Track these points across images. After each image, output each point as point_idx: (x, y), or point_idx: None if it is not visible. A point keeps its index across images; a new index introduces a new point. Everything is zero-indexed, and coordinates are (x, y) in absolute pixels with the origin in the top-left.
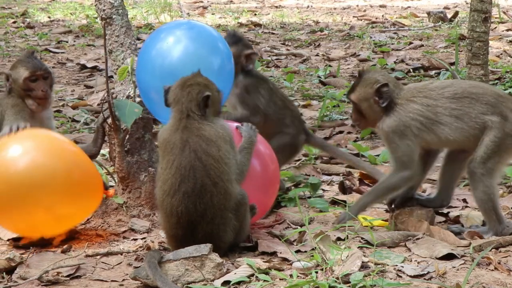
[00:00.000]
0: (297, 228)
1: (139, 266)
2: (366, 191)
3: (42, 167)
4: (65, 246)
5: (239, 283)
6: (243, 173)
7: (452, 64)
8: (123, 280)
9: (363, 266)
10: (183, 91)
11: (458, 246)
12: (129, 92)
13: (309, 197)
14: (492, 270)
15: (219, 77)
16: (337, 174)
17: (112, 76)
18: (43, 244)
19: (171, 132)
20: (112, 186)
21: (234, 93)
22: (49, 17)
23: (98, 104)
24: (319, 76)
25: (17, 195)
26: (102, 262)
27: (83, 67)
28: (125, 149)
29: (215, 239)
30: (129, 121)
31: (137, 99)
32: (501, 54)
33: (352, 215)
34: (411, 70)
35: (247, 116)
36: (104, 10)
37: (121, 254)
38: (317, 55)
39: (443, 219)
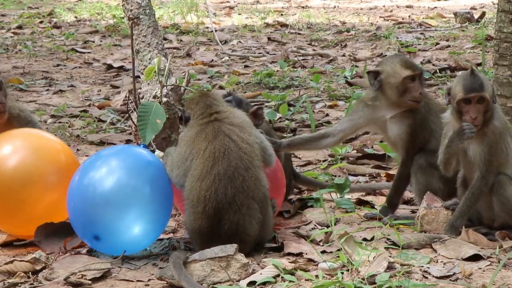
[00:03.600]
0: (323, 228)
1: (165, 267)
2: (462, 200)
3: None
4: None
5: (264, 283)
6: (271, 156)
7: (479, 65)
8: (149, 280)
9: (389, 267)
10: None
11: (483, 248)
12: (156, 92)
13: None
14: None
15: (152, 205)
16: (363, 175)
17: (138, 76)
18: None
19: (200, 126)
20: None
21: None
22: (75, 17)
23: (122, 104)
24: (345, 77)
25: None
26: (128, 262)
27: (110, 67)
28: (152, 149)
29: (240, 231)
30: (148, 138)
31: (164, 99)
32: None
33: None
34: (438, 70)
35: None
36: (131, 10)
37: (147, 255)
38: (343, 55)
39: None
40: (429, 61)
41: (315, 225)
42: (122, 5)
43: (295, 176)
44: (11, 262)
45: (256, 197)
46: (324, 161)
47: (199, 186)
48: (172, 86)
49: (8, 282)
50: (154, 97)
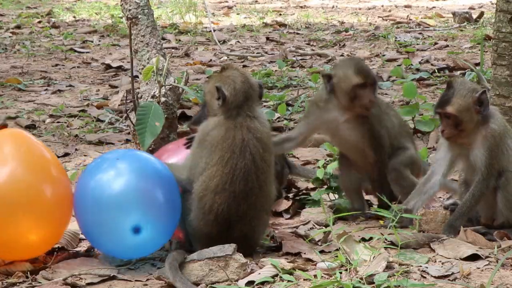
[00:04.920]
0: (321, 228)
1: (163, 266)
2: (462, 202)
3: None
4: (88, 245)
5: (263, 283)
6: None
7: (477, 64)
8: (147, 280)
9: (388, 267)
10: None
11: (481, 248)
12: (154, 92)
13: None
14: None
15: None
16: None
17: (137, 76)
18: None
19: (227, 129)
20: None
21: None
22: (74, 17)
23: (120, 104)
24: None
25: None
26: (126, 261)
27: (108, 66)
28: (150, 148)
29: (249, 239)
30: (147, 142)
31: (162, 99)
32: None
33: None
34: (436, 70)
35: None
36: (130, 10)
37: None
38: (342, 55)
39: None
40: (427, 61)
41: (313, 225)
42: (121, 5)
43: (289, 165)
44: (11, 262)
45: (266, 209)
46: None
47: (212, 199)
48: (171, 86)
49: (6, 282)
50: (153, 97)
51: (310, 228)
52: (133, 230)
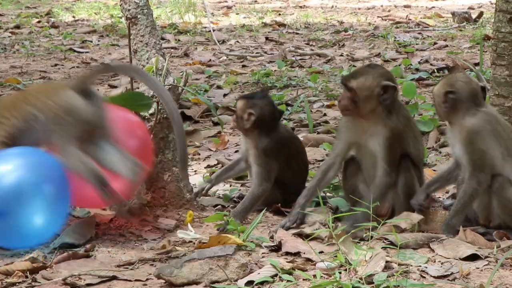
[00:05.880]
0: (321, 228)
1: (164, 265)
2: (456, 199)
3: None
4: (88, 246)
5: (262, 283)
6: None
7: (476, 64)
8: (147, 280)
9: (387, 267)
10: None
11: (480, 248)
12: (153, 92)
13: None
14: None
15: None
16: None
17: None
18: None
19: None
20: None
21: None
22: (73, 17)
23: None
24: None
25: None
26: (126, 261)
27: None
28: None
29: None
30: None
31: None
32: None
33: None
34: (436, 70)
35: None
36: (129, 10)
37: (144, 254)
38: (341, 55)
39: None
40: (427, 61)
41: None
42: (120, 5)
43: None
44: (11, 262)
45: None
46: (321, 160)
47: None
48: (170, 86)
49: (6, 282)
50: (152, 96)
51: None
52: None
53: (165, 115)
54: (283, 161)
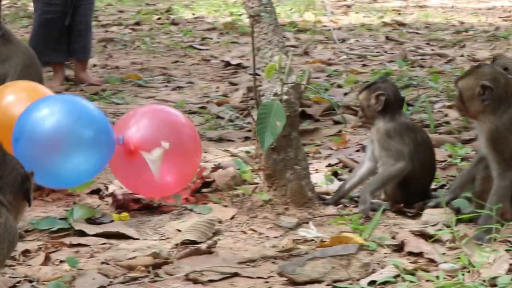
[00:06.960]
0: (444, 229)
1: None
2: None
3: None
4: (210, 242)
5: (384, 283)
6: None
7: None
8: (269, 277)
9: (511, 270)
10: None
11: None
12: (276, 90)
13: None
14: None
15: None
16: None
17: (258, 74)
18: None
19: None
20: (257, 183)
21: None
22: (193, 14)
23: (240, 102)
24: None
25: None
26: (247, 258)
27: (227, 64)
28: (271, 147)
29: None
30: (267, 142)
31: (284, 97)
32: None
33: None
34: None
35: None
36: (252, 7)
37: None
38: (462, 55)
39: None
40: None
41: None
42: (243, 3)
43: None
44: (134, 257)
45: None
46: (443, 161)
47: None
48: (293, 84)
49: (128, 276)
50: (275, 94)
51: (438, 229)
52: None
53: (287, 113)
54: (411, 146)
